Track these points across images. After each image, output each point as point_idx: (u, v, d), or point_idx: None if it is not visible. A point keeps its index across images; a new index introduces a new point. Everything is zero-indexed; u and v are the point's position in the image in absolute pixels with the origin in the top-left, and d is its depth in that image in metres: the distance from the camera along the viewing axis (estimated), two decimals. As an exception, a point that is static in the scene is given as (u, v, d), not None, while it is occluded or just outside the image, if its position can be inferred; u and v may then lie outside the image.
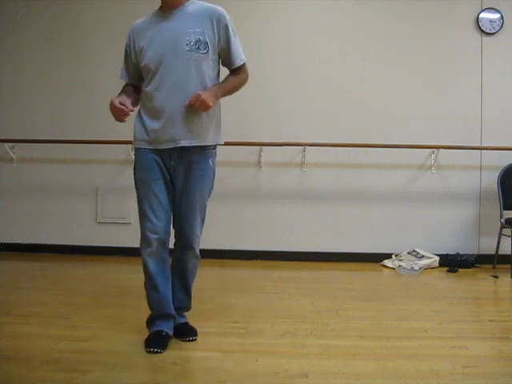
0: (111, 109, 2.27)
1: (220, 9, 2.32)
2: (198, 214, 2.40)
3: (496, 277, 3.98)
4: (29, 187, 4.71)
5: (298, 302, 3.18)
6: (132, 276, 3.88)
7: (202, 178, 2.37)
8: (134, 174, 2.45)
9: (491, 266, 4.28)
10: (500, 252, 4.24)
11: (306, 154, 4.50)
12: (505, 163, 4.35)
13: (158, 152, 2.33)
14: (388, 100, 4.56)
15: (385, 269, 4.30)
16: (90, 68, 4.67)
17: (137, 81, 2.42)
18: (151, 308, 2.42)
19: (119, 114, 2.27)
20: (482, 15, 4.49)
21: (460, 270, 4.22)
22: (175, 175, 2.35)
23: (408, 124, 4.54)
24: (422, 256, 4.33)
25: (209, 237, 4.59)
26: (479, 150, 4.50)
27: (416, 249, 4.41)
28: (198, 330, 2.55)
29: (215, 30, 2.28)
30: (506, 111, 4.50)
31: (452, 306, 3.16)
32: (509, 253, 3.94)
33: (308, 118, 4.54)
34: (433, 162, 4.52)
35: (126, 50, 2.38)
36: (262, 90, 4.42)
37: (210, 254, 4.49)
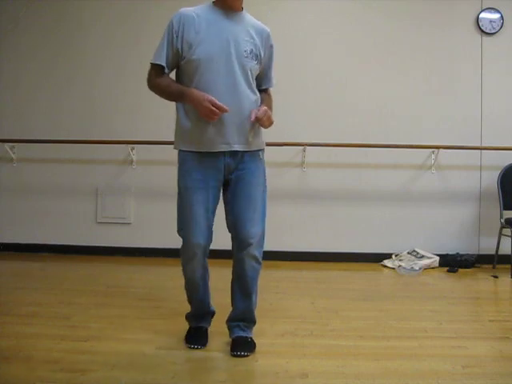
0: (207, 107, 2.06)
1: (268, 29, 2.33)
2: (252, 209, 2.28)
3: (496, 277, 3.98)
4: (29, 187, 4.71)
5: (297, 302, 3.18)
6: (132, 276, 3.89)
7: (254, 169, 2.30)
8: (179, 179, 2.28)
9: (491, 265, 4.28)
10: (500, 252, 4.24)
11: (306, 153, 4.50)
12: (505, 163, 4.36)
13: (207, 155, 2.21)
14: (388, 100, 4.56)
15: (385, 269, 4.30)
16: (90, 68, 4.67)
17: (170, 69, 2.28)
18: (191, 305, 2.48)
19: (218, 114, 2.09)
20: (482, 15, 4.49)
21: (460, 269, 4.21)
22: (227, 176, 2.26)
23: (408, 124, 4.54)
24: (422, 256, 4.33)
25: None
26: (479, 150, 4.50)
27: (416, 249, 4.41)
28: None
29: (264, 47, 2.27)
30: (506, 111, 4.50)
31: (452, 306, 3.16)
32: (509, 253, 3.94)
33: (308, 118, 4.54)
34: (433, 162, 4.52)
35: (170, 35, 2.20)
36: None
37: (210, 254, 4.49)
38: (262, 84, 2.37)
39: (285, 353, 2.30)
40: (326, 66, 4.57)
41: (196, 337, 2.41)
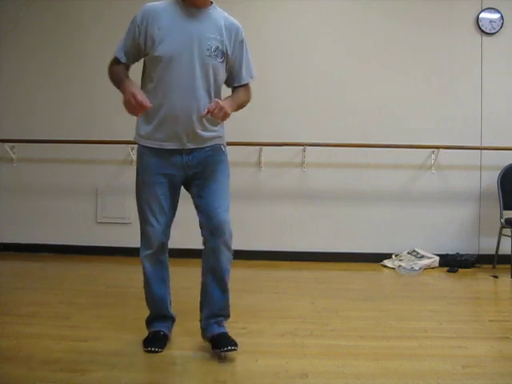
0: (129, 101, 2.04)
1: (238, 24, 2.29)
2: (224, 194, 2.27)
3: (496, 277, 3.98)
4: (29, 187, 4.71)
5: (297, 302, 3.18)
6: (132, 276, 3.88)
7: (219, 161, 2.30)
8: (137, 174, 2.32)
9: (491, 265, 4.28)
10: (500, 252, 4.24)
11: (306, 154, 4.50)
12: (505, 163, 4.36)
13: (164, 151, 2.23)
14: (388, 100, 4.56)
15: (385, 269, 4.30)
16: (90, 68, 4.67)
17: (131, 62, 2.29)
18: (149, 309, 2.42)
19: (139, 110, 2.07)
20: (482, 15, 4.49)
21: (460, 269, 4.21)
22: (189, 170, 2.26)
23: (408, 124, 4.54)
24: (422, 256, 4.33)
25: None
26: (479, 150, 4.50)
27: (416, 249, 4.41)
28: (198, 330, 2.54)
29: (231, 43, 2.23)
30: (506, 111, 4.50)
31: (452, 306, 3.16)
32: (509, 253, 3.94)
33: (308, 118, 4.54)
34: (433, 162, 4.52)
35: (132, 28, 2.21)
36: (262, 91, 4.40)
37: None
38: (232, 82, 2.35)
39: (285, 353, 2.30)
40: (326, 66, 4.57)
41: (153, 340, 2.31)
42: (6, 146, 4.64)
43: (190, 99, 2.16)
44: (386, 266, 4.33)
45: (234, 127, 4.37)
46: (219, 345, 2.19)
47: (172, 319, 2.44)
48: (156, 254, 2.32)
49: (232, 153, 4.84)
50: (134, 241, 4.71)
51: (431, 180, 4.55)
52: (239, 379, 2.04)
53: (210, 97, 2.21)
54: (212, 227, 2.21)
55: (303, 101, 4.55)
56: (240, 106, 2.33)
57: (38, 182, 4.71)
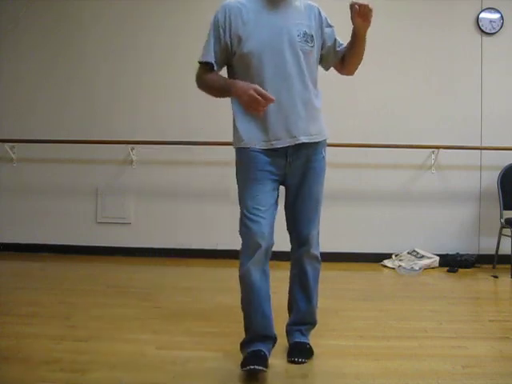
0: (252, 96, 1.92)
1: (314, 3, 2.24)
2: (315, 209, 2.28)
3: (496, 277, 3.98)
4: (29, 187, 4.71)
5: (298, 302, 3.18)
6: (132, 276, 3.89)
7: (319, 169, 2.28)
8: (237, 175, 2.17)
9: (491, 266, 4.28)
10: (500, 252, 4.24)
11: (306, 153, 4.49)
12: (505, 163, 4.35)
13: (270, 151, 2.09)
14: (388, 100, 4.56)
15: (385, 269, 4.30)
16: (90, 68, 4.67)
17: (221, 66, 2.14)
18: (249, 329, 2.14)
19: (265, 104, 1.94)
20: (482, 15, 4.49)
21: (460, 269, 4.21)
22: (290, 172, 2.16)
23: (408, 124, 4.54)
24: (422, 256, 4.33)
25: (209, 237, 4.62)
26: (479, 150, 4.50)
27: (416, 249, 4.41)
28: (198, 330, 2.55)
29: (317, 24, 2.18)
30: (506, 111, 4.50)
31: (452, 306, 3.16)
32: (509, 253, 3.94)
33: (308, 118, 4.53)
34: (433, 162, 4.52)
35: (216, 30, 2.05)
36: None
37: (210, 254, 4.50)
38: (338, 52, 2.25)
39: (285, 353, 2.30)
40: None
41: (255, 358, 2.02)
42: (6, 146, 4.64)
43: (287, 90, 2.06)
44: (386, 266, 4.33)
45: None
46: (291, 353, 2.21)
47: (274, 340, 2.17)
48: (261, 260, 2.18)
49: (232, 153, 4.84)
50: (134, 241, 4.75)
51: (431, 180, 4.55)
52: (239, 379, 2.03)
53: (305, 86, 2.12)
54: (299, 240, 2.24)
55: (303, 101, 4.54)
56: (364, 48, 2.23)
57: (38, 182, 4.71)
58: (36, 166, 4.72)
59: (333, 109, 4.54)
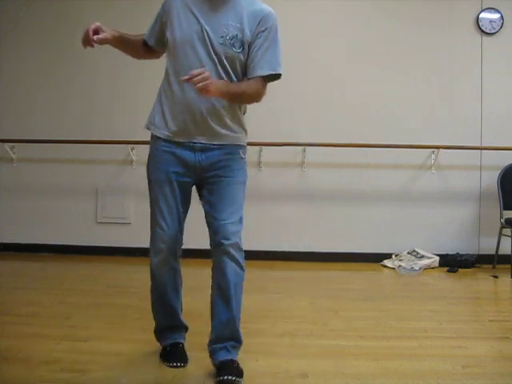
0: (84, 31, 2.00)
1: (268, 9, 2.05)
2: (235, 205, 2.07)
3: (496, 277, 3.98)
4: (29, 187, 4.71)
5: (298, 302, 3.18)
6: (132, 276, 3.89)
7: (235, 168, 2.10)
8: (148, 171, 2.15)
9: (491, 266, 4.28)
10: (500, 252, 4.24)
11: (306, 154, 4.50)
12: (505, 163, 4.35)
13: (175, 144, 2.06)
14: (388, 100, 4.56)
15: (385, 269, 4.30)
16: (90, 68, 4.67)
17: (155, 44, 2.19)
18: (157, 319, 2.26)
19: (84, 41, 2.02)
20: (482, 15, 4.49)
21: (460, 269, 4.21)
22: (202, 171, 2.08)
23: (408, 124, 4.54)
24: (422, 256, 4.33)
25: (208, 236, 4.61)
26: (479, 150, 4.50)
27: (416, 249, 4.41)
28: (198, 330, 2.54)
29: (255, 31, 2.01)
30: (506, 111, 4.50)
31: (452, 306, 3.16)
32: (509, 253, 3.94)
33: (308, 118, 4.54)
34: (433, 162, 4.52)
35: (159, 13, 2.16)
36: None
37: (210, 255, 4.50)
38: (247, 73, 2.07)
39: (285, 353, 2.30)
40: (326, 66, 4.57)
41: (175, 353, 2.17)
42: (6, 146, 4.64)
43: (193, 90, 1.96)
44: (386, 266, 4.33)
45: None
46: (219, 372, 1.99)
47: (185, 328, 2.30)
48: (167, 259, 2.18)
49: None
50: (134, 241, 4.74)
51: (431, 180, 4.55)
52: (239, 379, 2.03)
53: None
54: (217, 240, 2.05)
55: (303, 101, 4.55)
56: (237, 96, 2.04)
57: (38, 182, 4.71)
58: (36, 166, 4.71)
59: (333, 109, 4.57)
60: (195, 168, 2.08)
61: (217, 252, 2.06)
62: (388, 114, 4.55)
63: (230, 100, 2.04)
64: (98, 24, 2.02)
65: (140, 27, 5.08)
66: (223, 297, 2.06)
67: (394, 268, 4.23)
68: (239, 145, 2.14)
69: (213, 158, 2.07)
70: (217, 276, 2.08)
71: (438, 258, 4.33)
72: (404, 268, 4.14)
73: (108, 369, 2.09)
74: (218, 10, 2.01)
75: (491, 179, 4.41)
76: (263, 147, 4.51)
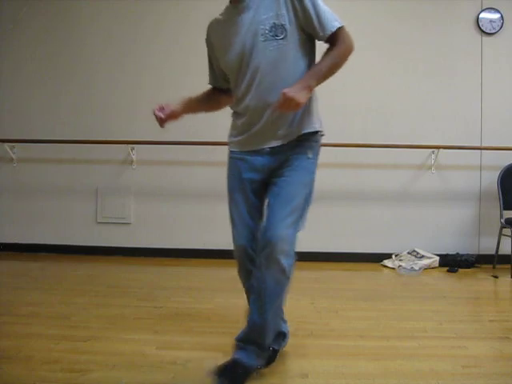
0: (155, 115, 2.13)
1: None
2: (293, 207, 1.99)
3: (496, 277, 3.98)
4: (29, 187, 4.71)
5: (297, 302, 3.18)
6: (132, 276, 3.89)
7: (297, 168, 2.03)
8: (227, 178, 2.22)
9: (491, 266, 4.28)
10: (500, 252, 4.24)
11: (306, 154, 4.49)
12: (505, 163, 4.35)
13: (247, 154, 2.08)
14: (388, 100, 4.56)
15: (385, 269, 4.30)
16: (90, 68, 4.67)
17: (223, 82, 2.17)
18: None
19: (159, 121, 2.15)
20: (482, 15, 4.49)
21: (460, 270, 4.21)
22: (270, 173, 2.06)
23: (408, 124, 4.54)
24: (422, 256, 4.33)
25: (209, 237, 4.62)
26: (479, 150, 4.50)
27: (416, 249, 4.41)
28: (198, 330, 2.55)
29: (289, 7, 1.93)
30: (506, 111, 4.50)
31: (452, 306, 3.16)
32: (509, 253, 3.94)
33: (308, 118, 4.53)
34: (433, 161, 4.52)
35: (208, 53, 2.14)
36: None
37: (210, 255, 4.50)
38: (320, 38, 2.02)
39: (285, 353, 2.30)
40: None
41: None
42: (6, 145, 4.64)
43: (264, 97, 1.96)
44: (386, 266, 4.33)
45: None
46: (218, 370, 1.91)
47: (283, 334, 2.17)
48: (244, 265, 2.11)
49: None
50: (134, 241, 4.74)
51: (431, 180, 4.55)
52: (239, 379, 2.03)
53: (285, 84, 1.91)
54: (264, 240, 1.96)
55: (303, 101, 4.54)
56: (327, 74, 1.98)
57: (38, 182, 4.71)
58: (36, 166, 4.72)
59: (333, 109, 4.56)
60: (263, 171, 2.08)
61: (260, 254, 1.97)
62: (388, 113, 4.56)
63: (327, 78, 1.99)
64: (159, 105, 2.11)
65: (139, 27, 5.11)
66: (258, 302, 1.98)
67: (394, 268, 4.23)
68: (309, 142, 2.11)
69: (281, 159, 2.05)
70: (256, 279, 1.99)
71: (438, 258, 4.33)
72: (404, 268, 4.14)
73: (108, 369, 2.09)
74: (248, 11, 1.97)
75: (491, 179, 4.41)
76: (263, 147, 4.51)
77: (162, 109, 2.11)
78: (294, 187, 2.02)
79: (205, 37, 2.13)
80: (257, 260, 2.00)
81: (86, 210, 4.68)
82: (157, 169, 4.63)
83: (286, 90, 1.83)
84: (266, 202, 2.07)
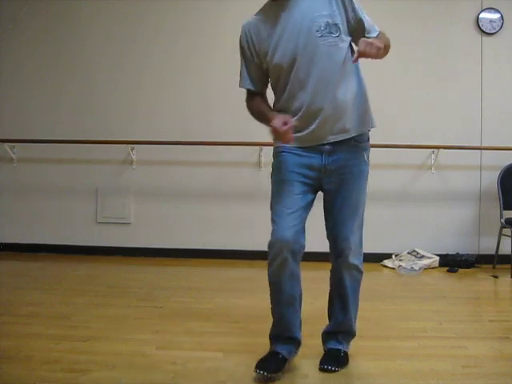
0: (274, 132, 1.93)
1: None
2: (354, 214, 2.11)
3: (496, 277, 3.98)
4: (29, 187, 4.71)
5: (297, 302, 3.18)
6: (132, 276, 3.89)
7: (358, 174, 2.10)
8: (272, 175, 2.21)
9: (491, 266, 4.28)
10: (500, 252, 4.24)
11: (306, 154, 4.49)
12: (505, 163, 4.35)
13: (303, 151, 2.06)
14: (388, 100, 4.55)
15: (385, 269, 4.30)
16: (90, 68, 4.67)
17: (262, 86, 2.14)
18: (273, 322, 2.20)
19: (286, 138, 1.92)
20: (482, 15, 4.49)
21: (460, 270, 4.21)
22: (326, 175, 2.07)
23: (408, 124, 4.54)
24: (422, 256, 4.33)
25: (208, 237, 4.62)
26: (479, 150, 4.50)
27: (416, 249, 4.41)
28: (198, 330, 2.55)
29: (341, 10, 1.97)
30: (506, 111, 4.50)
31: (452, 306, 3.16)
32: (509, 253, 3.93)
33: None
34: (433, 161, 4.52)
35: (244, 53, 2.07)
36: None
37: (210, 254, 4.50)
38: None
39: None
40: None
41: (268, 362, 2.04)
42: (6, 145, 4.64)
43: (321, 91, 1.97)
44: (386, 266, 4.33)
45: (233, 127, 4.39)
46: (322, 360, 2.14)
47: (298, 342, 2.16)
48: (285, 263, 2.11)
49: (232, 153, 4.85)
50: (134, 241, 4.74)
51: (431, 180, 4.55)
52: (239, 379, 2.03)
53: (341, 79, 2.00)
54: (336, 250, 2.19)
55: (303, 101, 4.55)
56: (387, 46, 1.97)
57: (38, 182, 4.71)
58: (36, 166, 4.72)
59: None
60: (320, 171, 2.07)
61: (335, 261, 2.23)
62: (388, 114, 4.55)
63: (385, 50, 1.97)
64: (281, 120, 1.90)
65: (139, 27, 5.11)
66: (341, 302, 2.22)
67: (394, 268, 4.23)
68: (364, 143, 2.18)
69: (339, 162, 2.06)
70: (335, 281, 2.25)
71: (438, 258, 4.33)
72: (404, 268, 4.14)
73: (108, 369, 2.09)
74: (299, 8, 1.97)
75: (491, 179, 4.41)
76: (263, 147, 4.51)
77: (285, 124, 1.89)
78: (358, 196, 2.13)
79: (240, 39, 2.07)
80: (333, 264, 2.24)
81: (86, 210, 4.68)
82: (157, 169, 4.63)
83: (363, 39, 1.85)
84: (324, 205, 2.17)
